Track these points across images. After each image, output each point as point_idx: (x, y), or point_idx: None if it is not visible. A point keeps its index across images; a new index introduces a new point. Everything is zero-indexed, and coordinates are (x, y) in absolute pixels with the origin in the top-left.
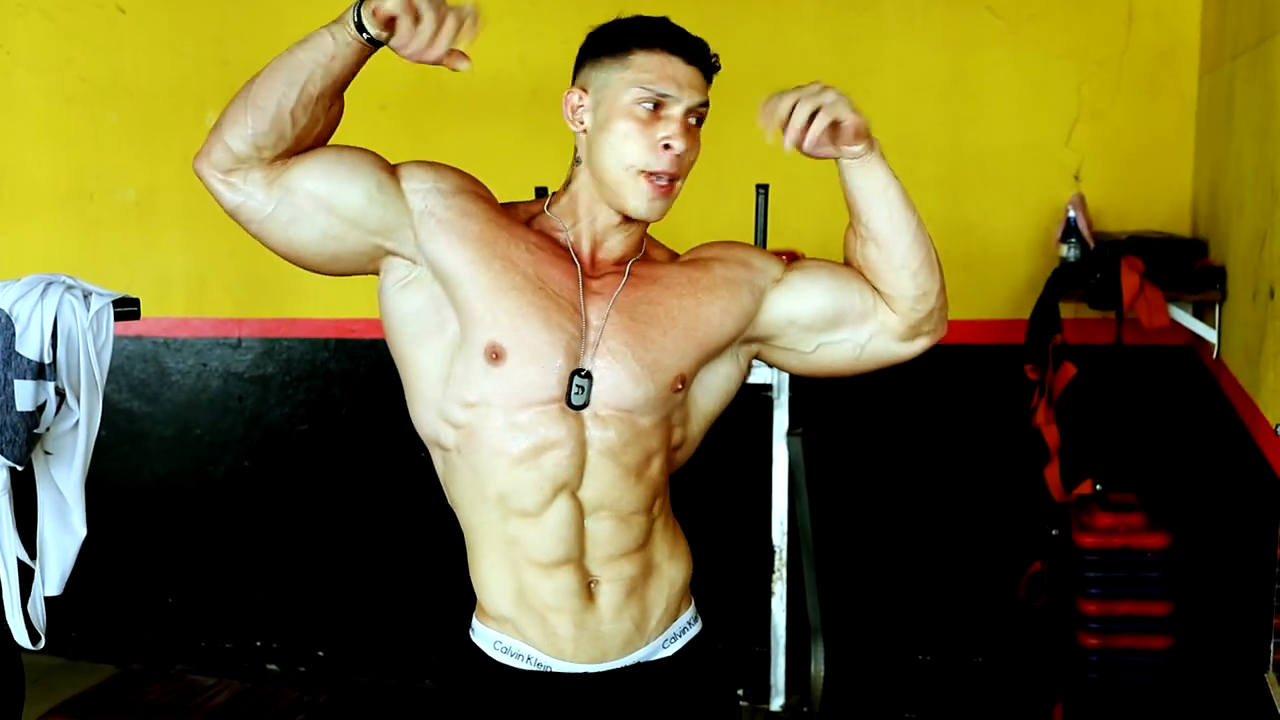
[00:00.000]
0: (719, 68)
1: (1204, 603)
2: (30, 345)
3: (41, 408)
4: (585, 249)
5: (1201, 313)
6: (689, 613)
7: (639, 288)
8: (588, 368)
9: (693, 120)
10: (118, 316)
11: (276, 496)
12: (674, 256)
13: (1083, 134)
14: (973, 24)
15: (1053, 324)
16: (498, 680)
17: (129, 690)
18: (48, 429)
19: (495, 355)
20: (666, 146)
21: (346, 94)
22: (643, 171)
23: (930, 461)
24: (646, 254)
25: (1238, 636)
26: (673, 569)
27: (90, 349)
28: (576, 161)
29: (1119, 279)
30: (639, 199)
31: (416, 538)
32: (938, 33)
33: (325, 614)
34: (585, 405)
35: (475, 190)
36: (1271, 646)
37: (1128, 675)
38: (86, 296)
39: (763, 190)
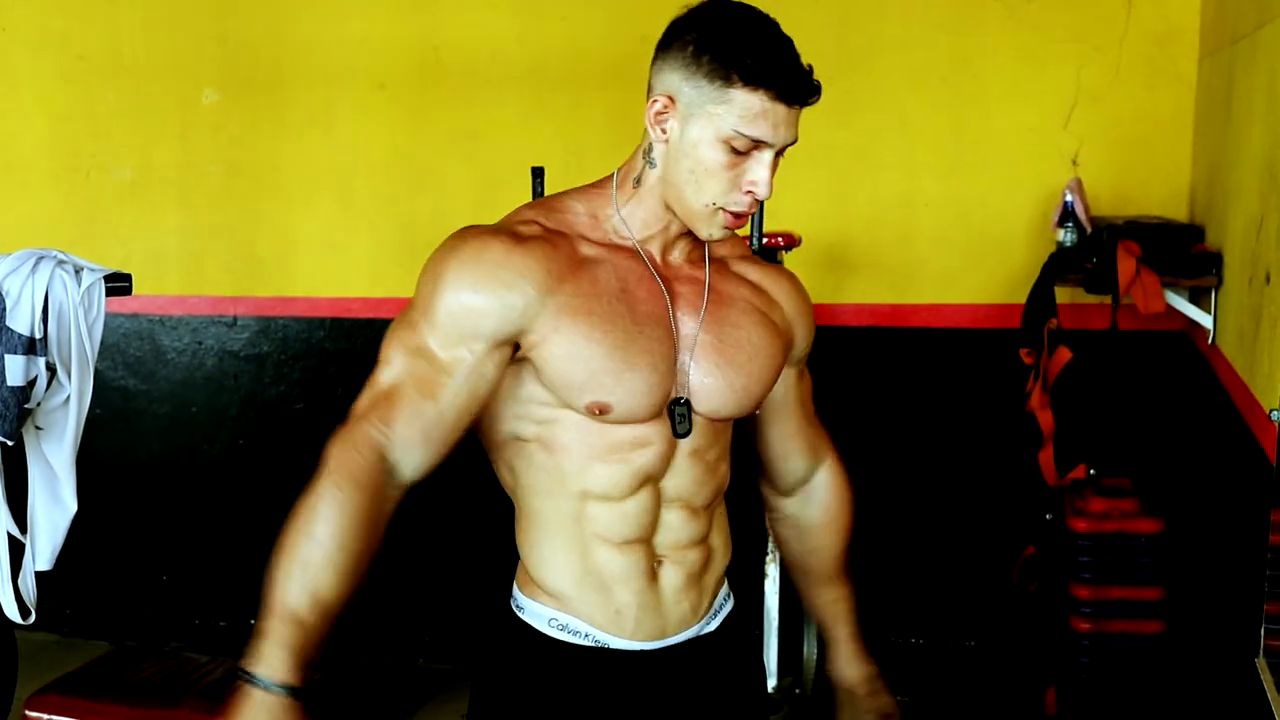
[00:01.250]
0: (818, 99)
1: (1196, 588)
2: (21, 320)
3: (32, 383)
4: (658, 253)
5: (1198, 298)
6: (724, 588)
7: (721, 306)
8: (683, 391)
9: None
10: (109, 292)
11: (271, 475)
12: (734, 240)
13: (1081, 118)
14: (973, 7)
15: (1048, 308)
16: (552, 656)
17: (123, 667)
18: (39, 404)
19: (600, 410)
20: (750, 193)
21: (344, 73)
22: (723, 209)
23: (924, 445)
24: (710, 248)
25: (1229, 622)
26: (724, 555)
27: (82, 324)
28: (650, 163)
29: (1115, 264)
30: (712, 229)
31: (410, 517)
32: (938, 15)
33: None
34: (689, 432)
35: (539, 266)
36: (1263, 632)
37: (1120, 660)
38: (78, 272)
39: None
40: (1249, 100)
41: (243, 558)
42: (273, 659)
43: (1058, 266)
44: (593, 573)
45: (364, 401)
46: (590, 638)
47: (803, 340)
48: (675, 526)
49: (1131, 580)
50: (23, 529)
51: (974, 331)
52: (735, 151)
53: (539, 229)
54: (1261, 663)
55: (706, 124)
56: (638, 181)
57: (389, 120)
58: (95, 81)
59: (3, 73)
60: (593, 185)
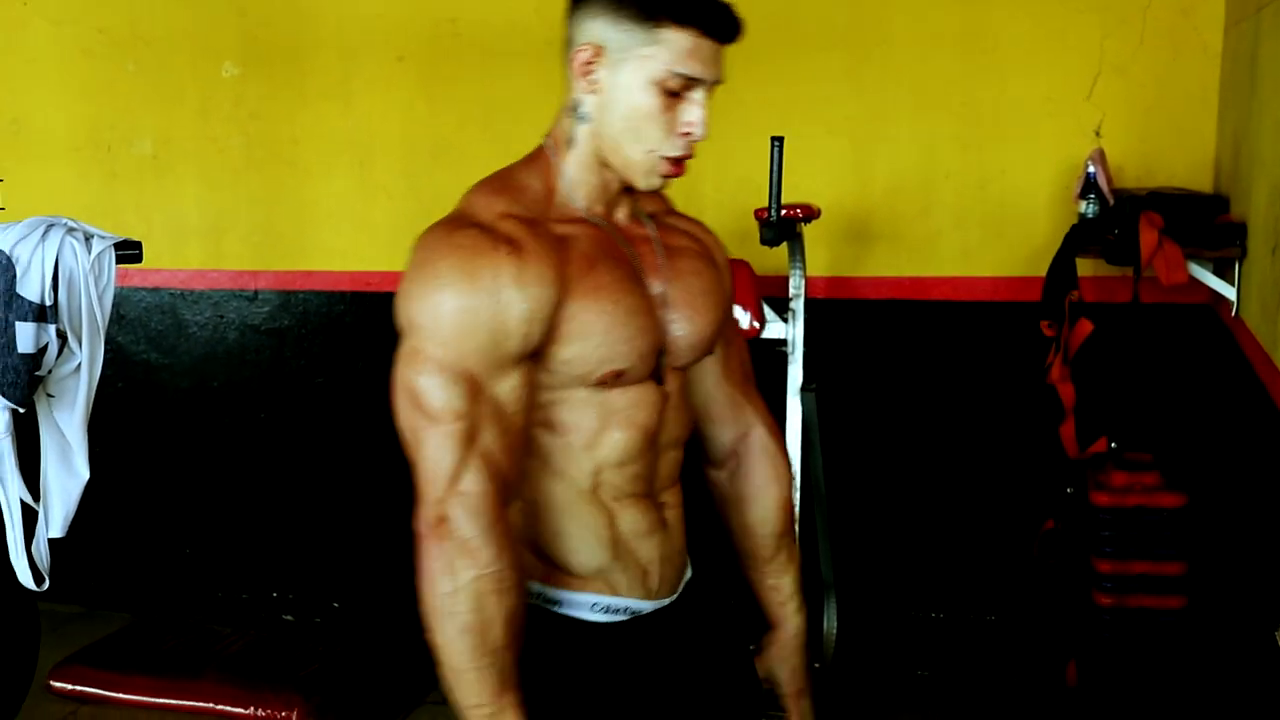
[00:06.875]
0: (742, 37)
1: (1218, 562)
2: (31, 287)
3: (43, 350)
4: (605, 216)
5: (1222, 270)
6: None
7: (674, 258)
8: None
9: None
10: (120, 259)
11: (292, 449)
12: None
13: (1104, 89)
14: None
15: (1069, 280)
16: (598, 643)
17: (145, 639)
18: (49, 372)
19: (616, 377)
20: (688, 134)
21: (362, 46)
22: (663, 157)
23: (945, 418)
24: (641, 205)
25: (1251, 596)
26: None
27: (92, 291)
28: (580, 118)
29: (1137, 235)
30: (651, 178)
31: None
32: None
33: (340, 565)
34: (662, 381)
35: (549, 269)
36: None
37: (1141, 634)
38: (88, 239)
39: (777, 142)
40: (1274, 67)
41: (264, 531)
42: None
43: (1079, 238)
44: (620, 539)
45: (445, 470)
46: (628, 611)
47: (730, 289)
48: (666, 470)
49: (1153, 555)
50: (35, 496)
51: (995, 304)
52: (669, 94)
53: (518, 224)
54: None
55: (638, 68)
56: (571, 141)
57: (407, 93)
58: (115, 55)
59: (23, 46)
60: (531, 158)
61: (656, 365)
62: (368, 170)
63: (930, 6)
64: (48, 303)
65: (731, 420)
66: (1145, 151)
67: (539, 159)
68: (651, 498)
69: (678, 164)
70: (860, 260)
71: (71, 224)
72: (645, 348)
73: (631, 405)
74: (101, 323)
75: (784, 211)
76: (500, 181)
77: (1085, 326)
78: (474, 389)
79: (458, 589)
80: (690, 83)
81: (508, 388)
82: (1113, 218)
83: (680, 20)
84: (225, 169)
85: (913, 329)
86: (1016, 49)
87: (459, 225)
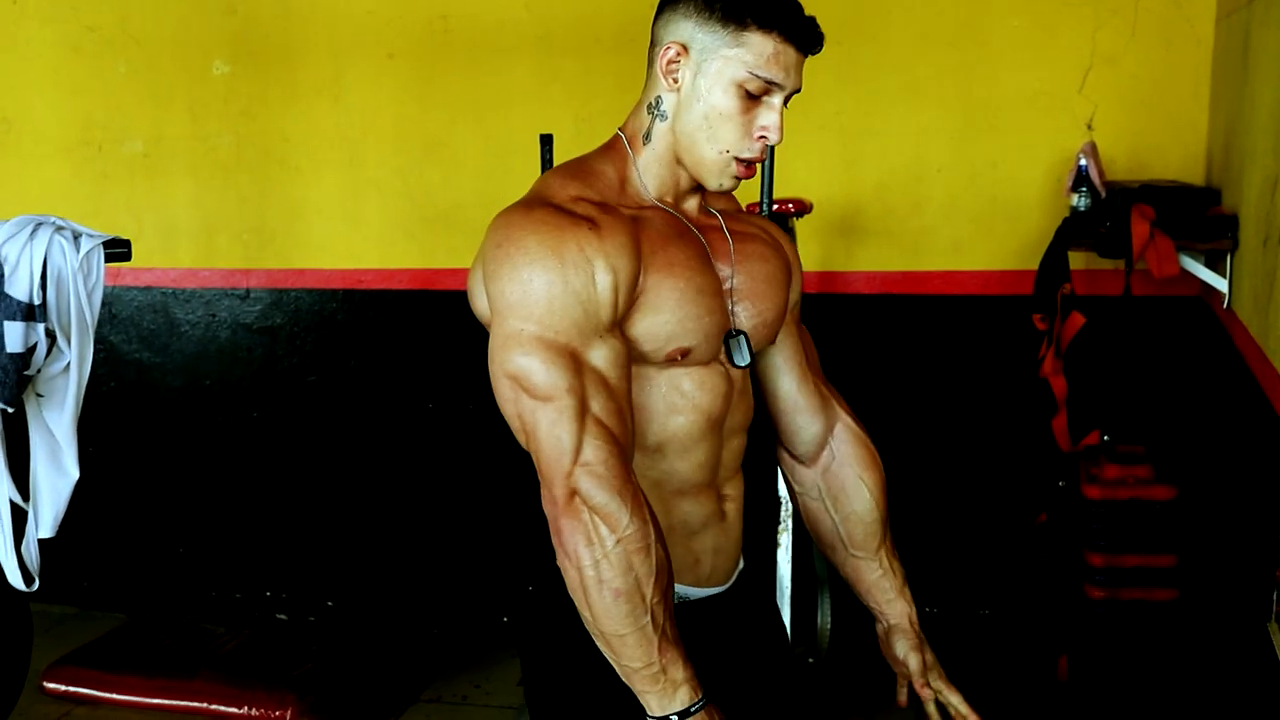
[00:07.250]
0: (821, 49)
1: (1210, 555)
2: (19, 286)
3: (32, 350)
4: (675, 207)
5: (1214, 263)
6: None
7: (742, 244)
8: (733, 324)
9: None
10: (109, 258)
11: (285, 447)
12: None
13: (1096, 81)
14: None
15: (1061, 273)
16: None
17: (139, 639)
18: (39, 371)
19: (682, 355)
20: (763, 138)
21: (353, 42)
22: (736, 158)
23: (937, 413)
24: (709, 203)
25: (1242, 588)
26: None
27: (81, 290)
28: (660, 115)
29: (1129, 228)
30: (723, 179)
31: (424, 488)
32: None
33: (334, 564)
34: (746, 363)
35: (627, 240)
36: (1275, 597)
37: (1133, 627)
38: (77, 238)
39: None
40: (1265, 59)
41: (258, 530)
42: (684, 688)
43: (1071, 231)
44: (675, 528)
45: (566, 446)
46: (677, 596)
47: (797, 283)
48: (730, 458)
49: (1145, 547)
50: (25, 496)
51: (986, 298)
52: (748, 96)
53: (591, 205)
54: (1274, 628)
55: (721, 69)
56: (647, 137)
57: (398, 90)
58: (105, 53)
59: (13, 45)
60: (606, 148)
61: (727, 349)
62: (359, 168)
63: (921, 1)
64: (36, 302)
65: (820, 411)
66: (1137, 144)
67: (615, 149)
68: (715, 487)
69: (749, 166)
70: (852, 254)
71: (60, 222)
72: (712, 327)
73: (697, 388)
74: (91, 322)
75: (775, 206)
76: (575, 168)
77: (1077, 320)
78: (576, 362)
79: (602, 557)
80: (769, 87)
81: (605, 356)
82: (1104, 210)
83: (765, 25)
84: (216, 167)
85: (904, 323)
86: (1008, 42)
87: (535, 206)
